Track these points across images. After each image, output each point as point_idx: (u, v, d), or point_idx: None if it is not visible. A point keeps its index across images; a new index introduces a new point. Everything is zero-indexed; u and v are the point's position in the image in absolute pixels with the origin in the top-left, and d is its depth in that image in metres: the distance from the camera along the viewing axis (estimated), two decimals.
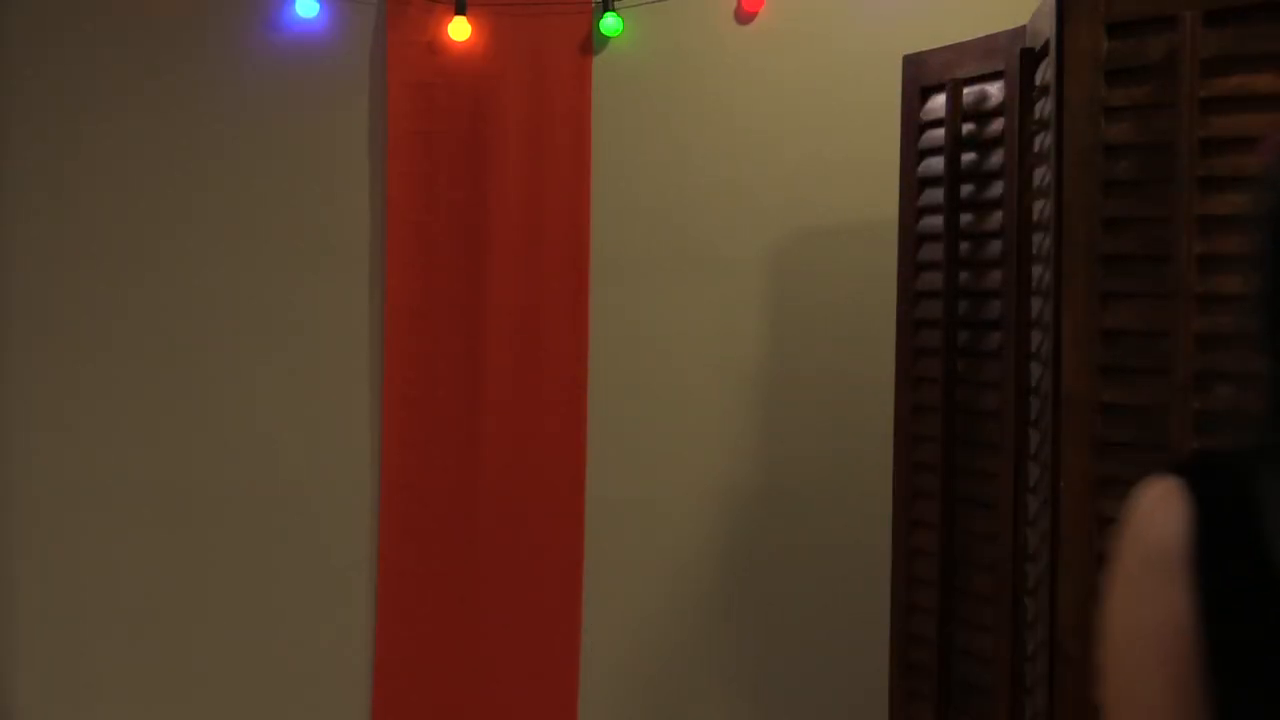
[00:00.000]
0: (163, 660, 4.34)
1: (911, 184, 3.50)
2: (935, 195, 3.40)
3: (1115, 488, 2.59)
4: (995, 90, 3.24)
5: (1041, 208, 2.90)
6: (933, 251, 3.40)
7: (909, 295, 3.50)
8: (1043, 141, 2.89)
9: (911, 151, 3.50)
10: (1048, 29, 2.76)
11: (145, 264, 4.28)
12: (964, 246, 3.33)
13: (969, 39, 3.32)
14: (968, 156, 3.32)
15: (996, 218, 3.22)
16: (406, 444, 4.23)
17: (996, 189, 3.23)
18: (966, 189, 3.33)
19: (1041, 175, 2.91)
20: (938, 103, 3.41)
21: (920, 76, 3.47)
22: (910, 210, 3.50)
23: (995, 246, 3.23)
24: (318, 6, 4.16)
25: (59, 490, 4.32)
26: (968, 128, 3.33)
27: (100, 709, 4.36)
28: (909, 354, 3.50)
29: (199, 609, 4.33)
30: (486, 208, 4.17)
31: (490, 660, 4.24)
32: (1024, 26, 3.10)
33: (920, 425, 3.46)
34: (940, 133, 3.38)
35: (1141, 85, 2.55)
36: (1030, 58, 3.07)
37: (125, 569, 4.34)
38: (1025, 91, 3.11)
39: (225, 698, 4.35)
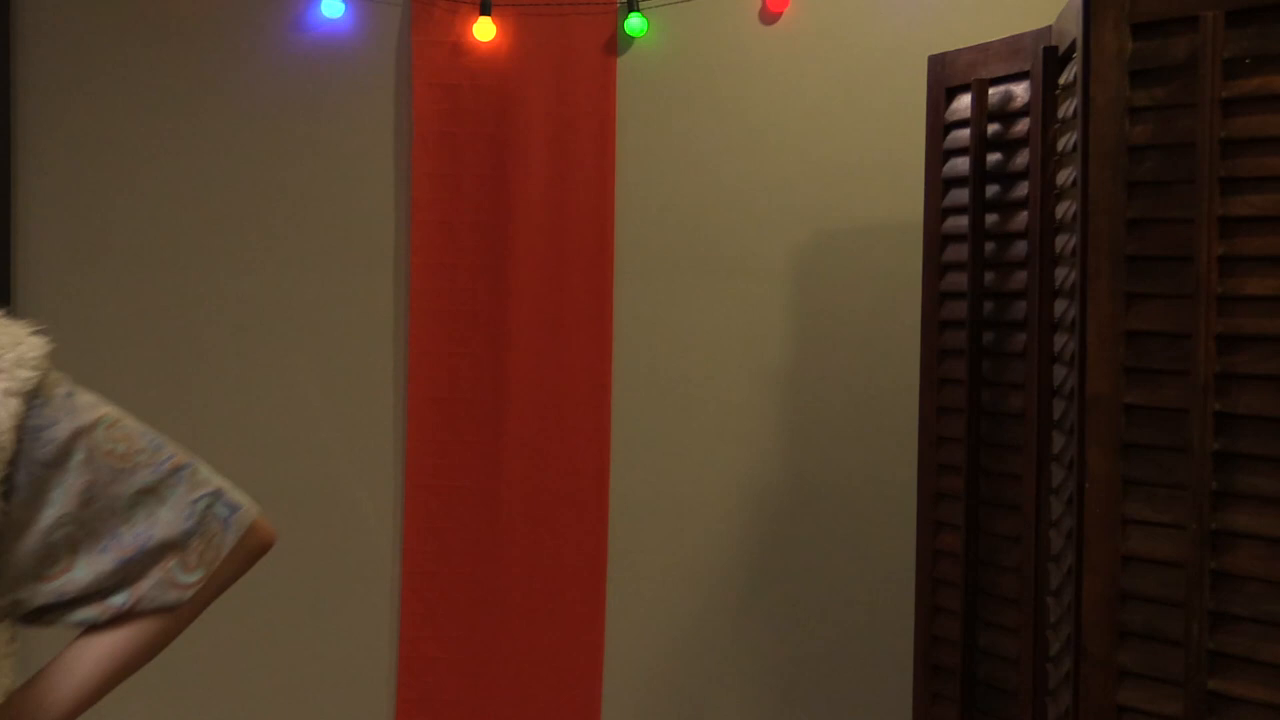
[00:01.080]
0: (185, 659, 4.35)
1: (936, 184, 3.49)
2: (960, 196, 3.40)
3: (1139, 489, 2.59)
4: (1021, 90, 3.24)
5: (1066, 208, 2.89)
6: (957, 252, 3.40)
7: (934, 296, 3.49)
8: (1068, 142, 2.88)
9: (936, 152, 3.49)
10: (1074, 29, 2.75)
11: (168, 263, 4.29)
12: (989, 247, 3.32)
13: (994, 39, 3.31)
14: (993, 157, 3.32)
15: (1021, 218, 3.22)
16: (431, 444, 4.24)
17: (1022, 189, 3.23)
18: (992, 189, 3.32)
19: (1066, 176, 2.90)
20: (963, 103, 3.41)
21: (945, 77, 3.47)
22: (935, 211, 3.49)
23: (1020, 247, 3.22)
24: (343, 7, 4.17)
25: None
26: (993, 128, 3.32)
27: (123, 705, 4.38)
28: (934, 355, 3.49)
29: (221, 608, 4.34)
30: (511, 208, 4.18)
31: (514, 659, 4.25)
32: (1049, 27, 3.10)
33: (945, 427, 3.46)
34: (965, 133, 3.38)
35: (1164, 85, 2.54)
36: (1055, 58, 3.06)
37: None
38: (1050, 92, 3.10)
39: (249, 697, 4.36)
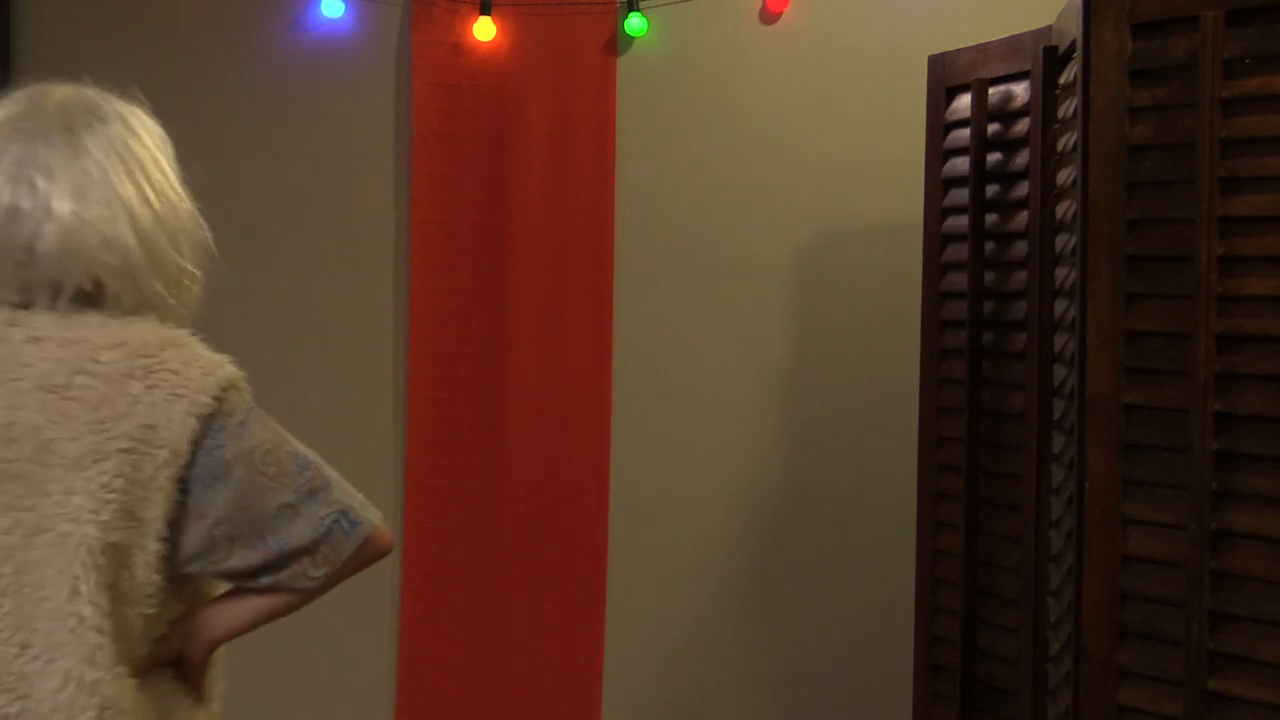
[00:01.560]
0: None
1: (936, 184, 3.49)
2: (960, 196, 3.40)
3: (1139, 489, 2.58)
4: (1021, 90, 3.24)
5: (1066, 208, 2.89)
6: (957, 252, 3.40)
7: (934, 296, 3.49)
8: (1068, 142, 2.88)
9: (936, 152, 3.49)
10: (1074, 29, 2.75)
11: None
12: (989, 247, 3.32)
13: (994, 39, 3.31)
14: (993, 157, 3.32)
15: (1021, 218, 3.22)
16: (430, 444, 4.24)
17: (1022, 189, 3.23)
18: (992, 189, 3.32)
19: (1066, 175, 2.90)
20: (963, 103, 3.41)
21: (945, 77, 3.47)
22: (935, 211, 3.49)
23: (1020, 247, 3.22)
24: (343, 7, 4.17)
25: None
26: (993, 128, 3.32)
27: None
28: (934, 355, 3.49)
29: None
30: (511, 208, 4.18)
31: (514, 659, 4.24)
32: (1049, 27, 3.10)
33: (945, 427, 3.46)
34: (965, 133, 3.38)
35: (1164, 85, 2.54)
36: (1055, 58, 3.06)
37: None
38: (1050, 92, 3.10)
39: (249, 696, 4.35)
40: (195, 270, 2.25)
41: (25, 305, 2.02)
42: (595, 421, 4.22)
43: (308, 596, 2.14)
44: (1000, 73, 3.29)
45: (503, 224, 4.19)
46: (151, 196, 2.13)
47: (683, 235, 4.24)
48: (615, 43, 4.17)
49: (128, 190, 2.08)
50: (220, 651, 2.25)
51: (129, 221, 2.05)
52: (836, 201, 4.19)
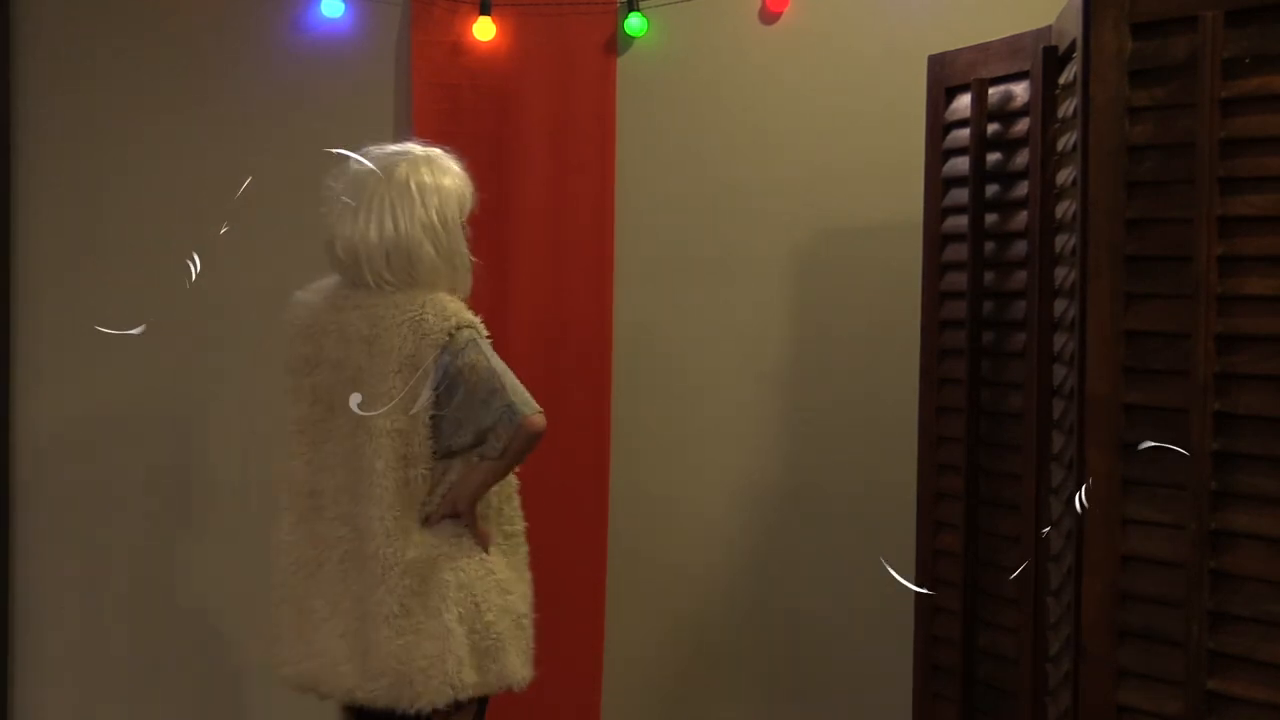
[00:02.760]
0: (187, 657, 4.35)
1: (936, 184, 3.49)
2: (960, 195, 3.40)
3: (1139, 489, 2.59)
4: (1020, 90, 3.24)
5: (1066, 208, 2.89)
6: (957, 252, 3.40)
7: (934, 296, 3.49)
8: (1067, 141, 2.88)
9: (936, 152, 3.49)
10: (1074, 29, 2.75)
11: (164, 262, 4.27)
12: (989, 247, 3.32)
13: (994, 39, 3.31)
14: (993, 157, 3.32)
15: (1021, 218, 3.22)
16: None
17: (1021, 189, 3.23)
18: (991, 189, 3.32)
19: (1066, 175, 2.90)
20: (963, 103, 3.41)
21: (945, 76, 3.47)
22: (935, 211, 3.49)
23: (1020, 247, 3.22)
24: (343, 7, 4.17)
25: (76, 488, 4.32)
26: (993, 128, 3.32)
27: (123, 704, 4.38)
28: (934, 355, 3.49)
29: (224, 608, 4.34)
30: (511, 208, 4.17)
31: None
32: (1049, 27, 3.10)
33: (944, 426, 3.46)
34: (965, 133, 3.38)
35: (1164, 85, 2.54)
36: (1054, 58, 3.06)
37: (142, 568, 4.34)
38: (1050, 91, 3.10)
39: (250, 696, 4.35)
40: (436, 277, 3.19)
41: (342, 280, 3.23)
42: (595, 421, 4.21)
43: (497, 462, 3.13)
44: (1000, 73, 3.29)
45: (503, 223, 4.18)
46: (417, 230, 3.16)
47: (683, 235, 4.24)
48: (615, 43, 4.17)
49: (401, 224, 3.15)
50: (516, 501, 3.36)
51: (393, 242, 3.14)
52: (836, 201, 4.19)
